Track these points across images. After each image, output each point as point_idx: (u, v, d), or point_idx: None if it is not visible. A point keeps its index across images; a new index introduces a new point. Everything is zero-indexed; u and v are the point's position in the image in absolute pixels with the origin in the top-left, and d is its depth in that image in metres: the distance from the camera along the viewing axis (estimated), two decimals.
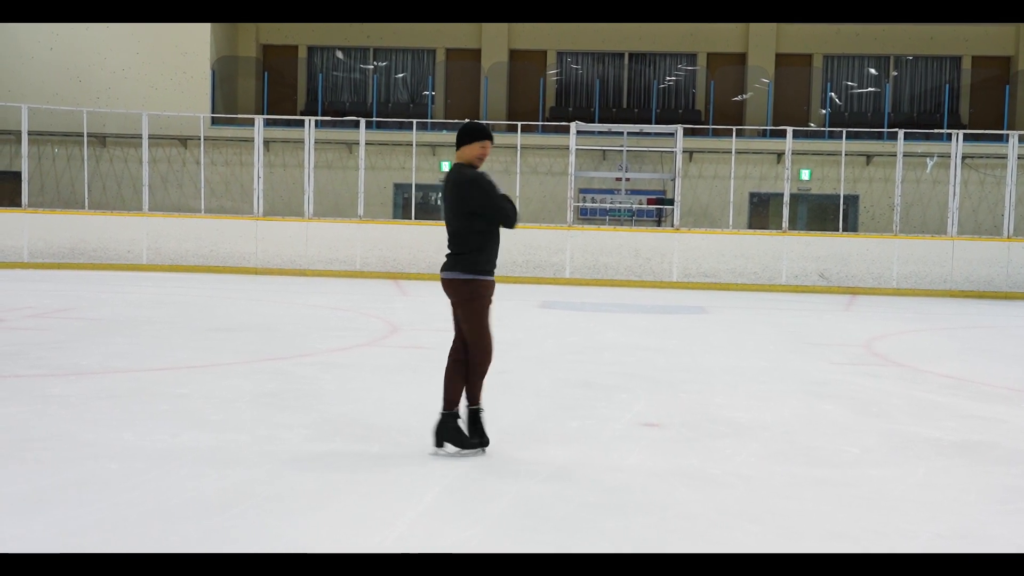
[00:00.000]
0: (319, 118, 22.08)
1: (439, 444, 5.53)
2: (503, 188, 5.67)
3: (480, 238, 5.47)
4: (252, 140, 21.34)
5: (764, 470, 5.38)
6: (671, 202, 20.42)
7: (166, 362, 8.67)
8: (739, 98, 25.69)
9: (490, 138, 5.57)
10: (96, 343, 9.61)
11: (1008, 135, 19.91)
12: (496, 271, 5.62)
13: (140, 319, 11.89)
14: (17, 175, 21.69)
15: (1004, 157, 20.53)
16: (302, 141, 21.41)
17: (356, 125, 21.48)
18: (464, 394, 5.57)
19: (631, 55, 26.41)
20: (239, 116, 23.30)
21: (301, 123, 21.54)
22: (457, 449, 5.52)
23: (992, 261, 19.21)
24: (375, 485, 4.88)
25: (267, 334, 10.74)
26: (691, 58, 26.32)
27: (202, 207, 21.15)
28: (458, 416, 5.53)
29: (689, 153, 22.93)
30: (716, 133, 23.80)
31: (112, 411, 6.43)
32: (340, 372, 8.26)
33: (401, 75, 26.70)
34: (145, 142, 20.70)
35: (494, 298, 5.59)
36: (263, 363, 8.65)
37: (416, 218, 21.72)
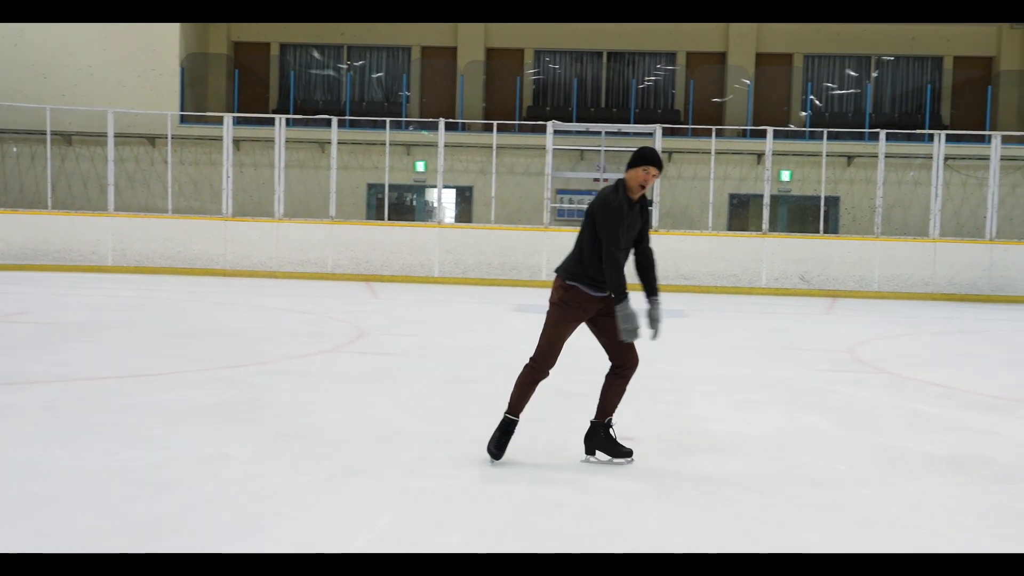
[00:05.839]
0: (291, 116, 21.64)
1: (590, 452, 5.54)
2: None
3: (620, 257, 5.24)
4: (221, 139, 20.83)
5: (746, 490, 5.00)
6: (649, 203, 20.02)
7: (116, 370, 8.22)
8: (719, 100, 25.38)
9: (655, 164, 5.18)
10: (45, 350, 9.14)
11: (990, 136, 19.67)
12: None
13: (97, 323, 11.42)
14: None
15: (986, 158, 20.27)
16: (273, 140, 20.92)
17: (328, 124, 21.02)
18: (599, 406, 5.52)
19: (610, 54, 26.06)
20: (208, 114, 22.79)
21: (272, 121, 21.03)
22: (609, 457, 5.51)
23: (974, 264, 18.94)
24: (324, 509, 4.47)
25: (228, 339, 10.29)
26: (670, 57, 25.99)
27: (169, 207, 20.60)
28: (610, 425, 5.51)
29: (668, 153, 22.58)
30: (696, 133, 23.46)
31: (49, 425, 5.98)
32: (299, 380, 7.82)
33: (378, 75, 26.25)
34: (111, 140, 20.19)
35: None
36: (219, 371, 8.20)
37: (389, 219, 21.28)
